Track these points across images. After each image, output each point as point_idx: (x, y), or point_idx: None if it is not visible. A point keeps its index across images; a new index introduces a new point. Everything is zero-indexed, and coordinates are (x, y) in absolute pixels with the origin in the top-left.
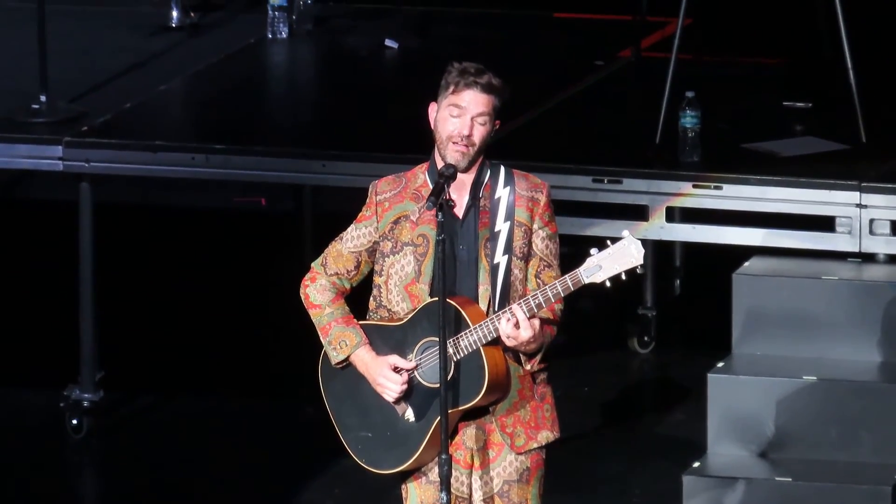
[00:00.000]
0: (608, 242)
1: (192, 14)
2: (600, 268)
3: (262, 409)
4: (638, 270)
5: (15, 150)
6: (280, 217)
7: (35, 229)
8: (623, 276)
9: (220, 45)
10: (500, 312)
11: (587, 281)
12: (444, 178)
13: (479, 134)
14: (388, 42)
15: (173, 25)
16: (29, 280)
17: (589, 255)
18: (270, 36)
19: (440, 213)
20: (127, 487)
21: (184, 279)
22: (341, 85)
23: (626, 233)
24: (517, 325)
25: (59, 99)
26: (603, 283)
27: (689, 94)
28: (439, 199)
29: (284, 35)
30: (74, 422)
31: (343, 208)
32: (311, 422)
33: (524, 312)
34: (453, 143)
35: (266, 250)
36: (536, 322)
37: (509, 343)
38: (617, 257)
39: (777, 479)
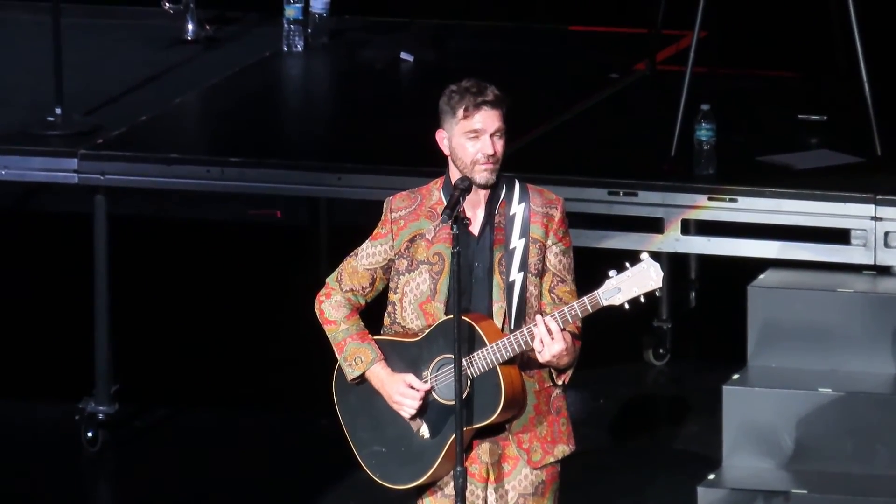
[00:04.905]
0: (627, 265)
1: (208, 27)
2: (619, 290)
3: (276, 421)
4: (657, 293)
5: (30, 162)
6: (295, 230)
7: (50, 242)
8: (642, 299)
9: (235, 58)
10: (523, 328)
11: (606, 303)
12: (459, 191)
13: (500, 148)
14: (403, 55)
15: (189, 38)
16: (44, 292)
17: (608, 276)
18: (286, 49)
19: (455, 226)
20: (142, 500)
21: (199, 292)
22: (357, 98)
23: (644, 255)
24: (552, 337)
25: (75, 112)
26: (622, 305)
27: (704, 106)
28: (454, 211)
29: (300, 48)
30: (89, 434)
31: (359, 221)
32: (325, 434)
33: (558, 324)
34: (480, 164)
35: (281, 263)
36: (568, 335)
37: (541, 357)
38: (636, 280)
39: (792, 491)
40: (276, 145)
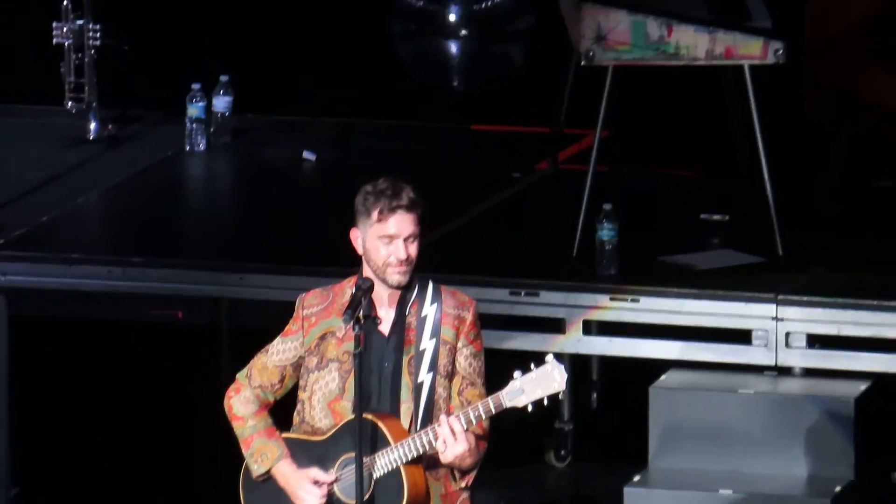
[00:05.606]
0: (532, 365)
1: (110, 126)
2: (523, 392)
3: None
4: (560, 396)
5: None
6: (197, 330)
7: None
8: (545, 401)
9: (137, 157)
10: (427, 429)
11: (509, 405)
12: (361, 292)
13: (413, 251)
14: (305, 154)
15: (91, 138)
16: None
17: (512, 377)
18: (188, 148)
19: (357, 327)
20: None
21: (100, 393)
22: (259, 197)
23: (550, 357)
24: (454, 436)
25: None
26: (525, 407)
27: (607, 206)
28: (356, 312)
29: (202, 147)
30: None
31: (261, 321)
32: None
33: (461, 425)
34: (392, 267)
35: (183, 364)
36: (472, 436)
37: (443, 458)
38: (539, 381)
39: None
40: (177, 245)
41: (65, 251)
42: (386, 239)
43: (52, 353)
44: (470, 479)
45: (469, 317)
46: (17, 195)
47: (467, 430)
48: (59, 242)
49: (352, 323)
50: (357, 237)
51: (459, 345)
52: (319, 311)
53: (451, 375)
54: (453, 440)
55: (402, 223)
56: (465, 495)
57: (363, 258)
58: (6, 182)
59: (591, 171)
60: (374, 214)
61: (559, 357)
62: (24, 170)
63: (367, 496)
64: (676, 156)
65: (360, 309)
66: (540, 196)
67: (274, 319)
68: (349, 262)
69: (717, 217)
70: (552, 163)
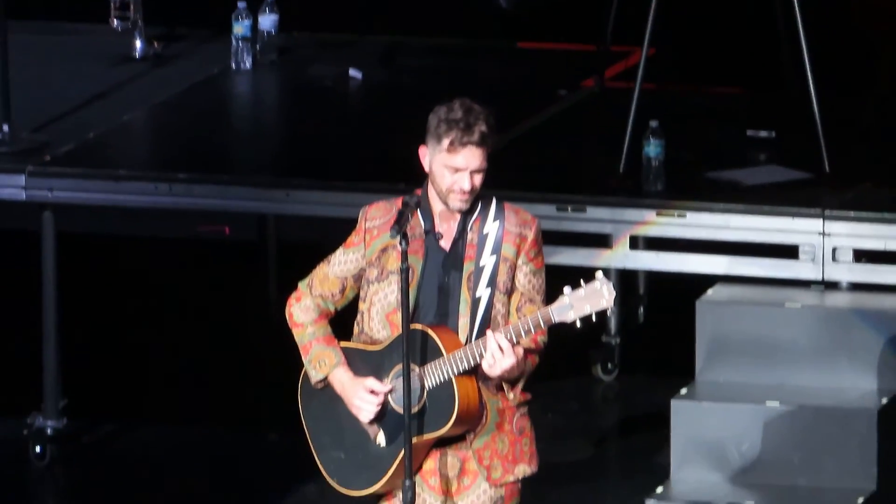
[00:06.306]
0: (581, 282)
1: (156, 44)
2: (571, 307)
3: (225, 436)
4: (608, 313)
5: None
6: (244, 246)
7: None
8: (593, 318)
9: (183, 75)
10: (480, 341)
11: (557, 320)
12: (408, 208)
13: (479, 182)
14: (352, 72)
15: (137, 56)
16: None
17: (561, 293)
18: (234, 66)
19: (403, 242)
20: None
21: (147, 308)
22: (305, 115)
23: (599, 274)
24: (501, 351)
25: (22, 129)
26: (573, 322)
27: (653, 123)
28: (403, 227)
29: (248, 65)
30: (38, 449)
31: (306, 237)
32: (274, 449)
33: (511, 339)
34: (455, 194)
35: (230, 279)
36: (520, 350)
37: (491, 372)
38: (588, 298)
39: (741, 503)
40: (224, 162)
41: (111, 168)
42: (452, 168)
43: (98, 269)
44: (517, 390)
45: (531, 235)
46: (64, 112)
47: (518, 343)
48: (106, 159)
49: (398, 238)
50: (425, 155)
51: (520, 262)
52: (382, 223)
53: (509, 292)
54: (501, 354)
55: (470, 157)
56: (521, 411)
57: (428, 176)
58: (53, 99)
59: (637, 89)
60: (445, 143)
61: (606, 272)
62: (69, 87)
63: (419, 406)
64: (723, 73)
65: (407, 224)
66: (586, 113)
67: (319, 235)
68: (394, 177)
69: (763, 133)
70: (598, 80)
